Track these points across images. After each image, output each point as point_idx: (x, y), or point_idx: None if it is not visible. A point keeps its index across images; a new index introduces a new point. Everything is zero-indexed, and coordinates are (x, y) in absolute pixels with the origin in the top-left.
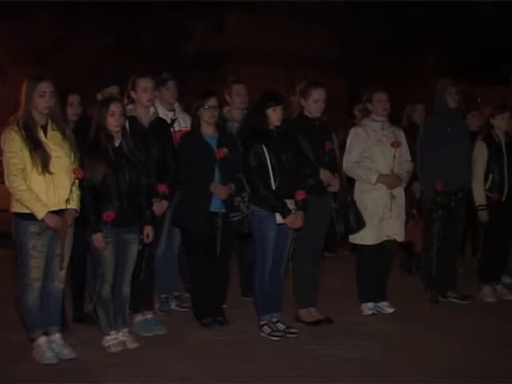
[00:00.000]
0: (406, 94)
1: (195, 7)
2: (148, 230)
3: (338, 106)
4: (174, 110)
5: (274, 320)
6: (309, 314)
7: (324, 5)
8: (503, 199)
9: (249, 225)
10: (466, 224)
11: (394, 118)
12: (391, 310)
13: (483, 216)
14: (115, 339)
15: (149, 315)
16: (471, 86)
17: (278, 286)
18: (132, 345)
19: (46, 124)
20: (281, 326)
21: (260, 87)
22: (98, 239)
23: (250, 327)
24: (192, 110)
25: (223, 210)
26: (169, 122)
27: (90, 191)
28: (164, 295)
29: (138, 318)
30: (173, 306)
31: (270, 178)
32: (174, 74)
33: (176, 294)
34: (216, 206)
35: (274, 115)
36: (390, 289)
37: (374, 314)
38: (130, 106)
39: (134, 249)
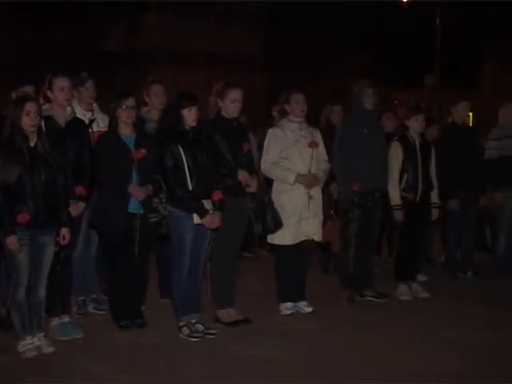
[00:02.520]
0: (326, 95)
1: (116, 7)
2: (64, 232)
3: (258, 107)
4: (92, 111)
5: (193, 321)
6: (227, 314)
7: (246, 5)
8: (417, 199)
9: (167, 226)
10: (382, 224)
11: (312, 119)
12: (310, 310)
13: (398, 216)
14: (30, 344)
15: (66, 318)
16: (388, 88)
17: (197, 286)
18: (48, 349)
19: None
20: (200, 327)
21: (181, 87)
22: (12, 242)
23: (168, 329)
24: (110, 111)
25: (141, 211)
26: (87, 122)
27: (4, 192)
28: (81, 298)
29: (55, 321)
30: (90, 308)
31: (186, 179)
32: (93, 74)
33: (93, 296)
34: (134, 207)
35: (190, 116)
36: (309, 288)
37: (292, 313)
38: (46, 106)
39: (49, 251)
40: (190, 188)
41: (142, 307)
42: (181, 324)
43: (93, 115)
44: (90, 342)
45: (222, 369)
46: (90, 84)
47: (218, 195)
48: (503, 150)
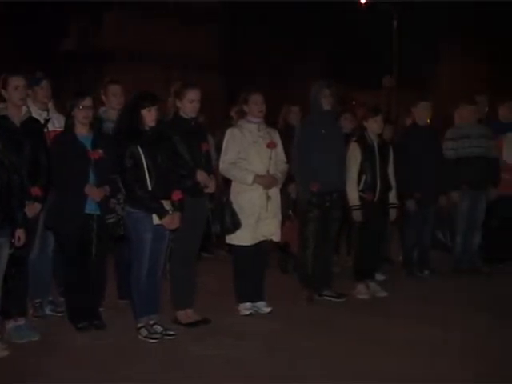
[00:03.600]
0: (286, 96)
1: (74, 6)
2: (20, 233)
3: (216, 107)
4: (47, 110)
5: (152, 322)
6: (186, 315)
7: (205, 6)
8: (376, 199)
9: (124, 227)
10: (340, 224)
11: (271, 120)
12: (268, 310)
13: (357, 216)
14: None
15: (21, 321)
16: (347, 89)
17: (155, 287)
18: (2, 353)
19: None
20: (158, 329)
21: (140, 87)
22: None
23: (127, 330)
24: (66, 110)
25: (98, 212)
26: (42, 121)
27: None
28: (38, 300)
29: (10, 324)
30: (47, 310)
31: (145, 179)
32: (49, 73)
33: (50, 298)
34: (91, 208)
35: (149, 116)
36: (267, 288)
37: (251, 313)
38: (0, 105)
39: (4, 253)
40: (150, 188)
41: (100, 308)
42: (139, 325)
43: (48, 115)
44: (47, 344)
45: (180, 370)
46: (45, 83)
47: (177, 195)
48: (460, 150)
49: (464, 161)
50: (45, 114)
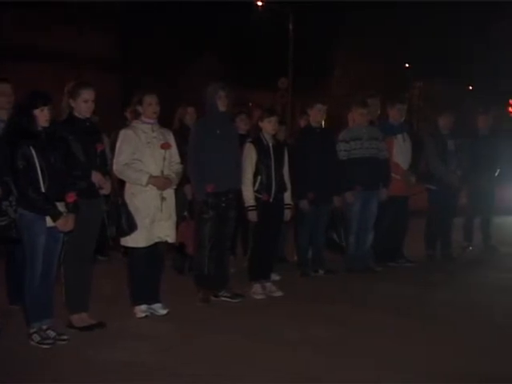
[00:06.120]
0: (182, 97)
1: None
2: None
3: (111, 107)
4: None
5: (44, 327)
6: (81, 318)
7: (99, 4)
8: (271, 200)
9: (17, 229)
10: (236, 224)
11: (165, 121)
12: (164, 312)
13: (252, 216)
14: None
15: None
16: (243, 91)
17: (49, 291)
18: None
19: None
20: (51, 334)
21: (30, 86)
22: None
23: (18, 336)
24: None
25: None
26: None
27: None
28: None
29: None
30: None
31: (38, 181)
32: None
33: None
34: None
35: (42, 116)
36: (163, 290)
37: (147, 316)
38: None
39: None
40: (43, 190)
41: None
42: (31, 331)
43: None
44: None
45: (76, 375)
46: None
47: (71, 197)
48: (352, 151)
49: (356, 162)
50: None
